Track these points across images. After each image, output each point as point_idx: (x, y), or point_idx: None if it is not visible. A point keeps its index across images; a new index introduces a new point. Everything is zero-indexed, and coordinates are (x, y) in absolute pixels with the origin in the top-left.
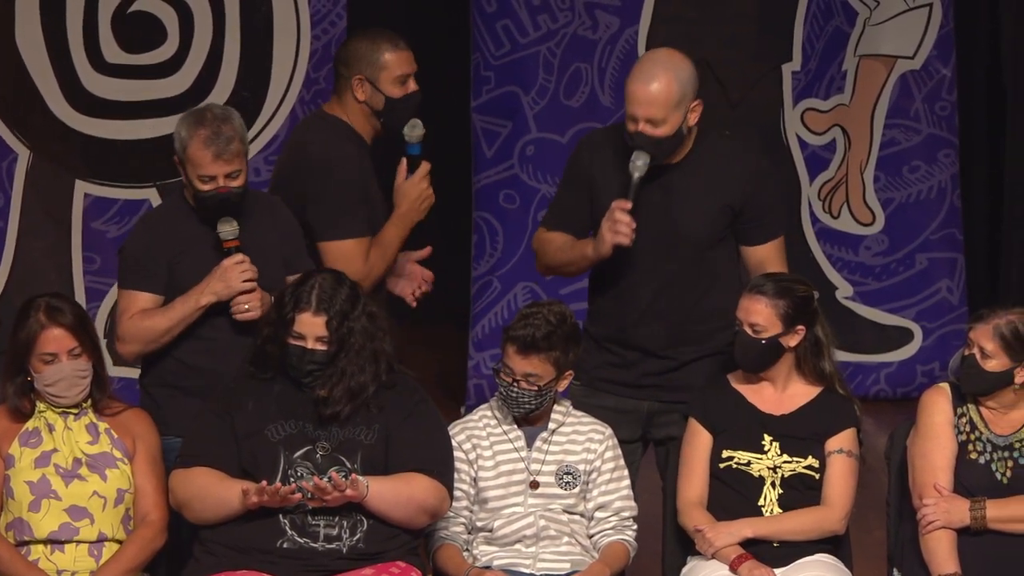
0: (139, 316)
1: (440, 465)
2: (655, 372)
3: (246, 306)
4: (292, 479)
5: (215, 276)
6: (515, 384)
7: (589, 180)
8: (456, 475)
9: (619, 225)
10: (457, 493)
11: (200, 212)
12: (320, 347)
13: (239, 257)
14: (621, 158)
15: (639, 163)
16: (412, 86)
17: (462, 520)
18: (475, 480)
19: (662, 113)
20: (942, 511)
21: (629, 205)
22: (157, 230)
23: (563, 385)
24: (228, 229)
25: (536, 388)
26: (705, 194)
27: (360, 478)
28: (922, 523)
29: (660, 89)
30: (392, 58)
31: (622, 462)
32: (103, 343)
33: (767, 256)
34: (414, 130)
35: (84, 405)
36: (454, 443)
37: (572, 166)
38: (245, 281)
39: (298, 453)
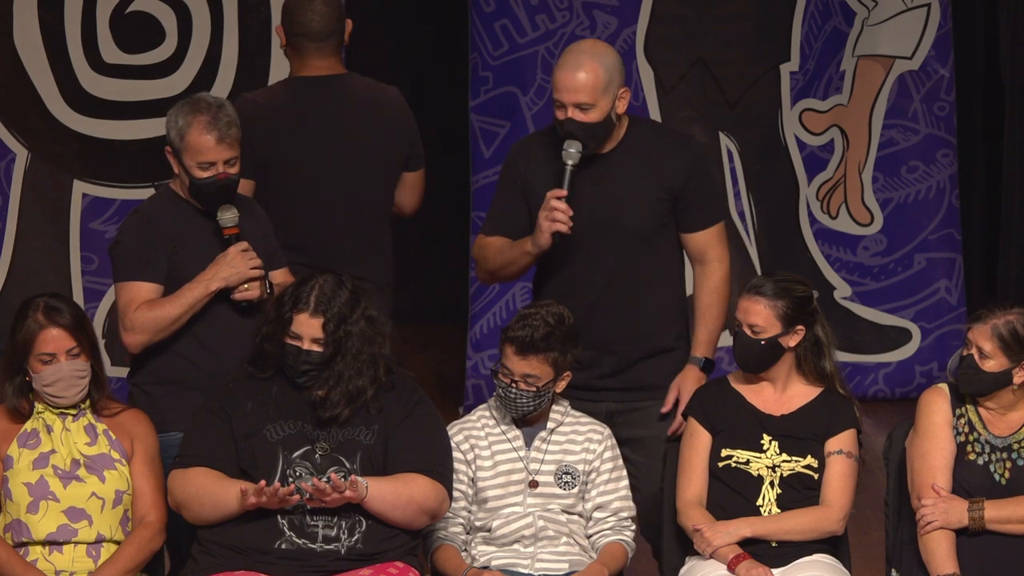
0: (146, 306)
1: (439, 466)
2: (608, 373)
3: (252, 292)
4: (291, 479)
5: (223, 263)
6: (513, 385)
7: (523, 184)
8: (454, 475)
9: (555, 213)
10: (456, 494)
11: (200, 200)
12: (316, 348)
13: (244, 244)
14: (552, 156)
15: (572, 151)
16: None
17: (460, 520)
18: (473, 480)
19: (590, 98)
20: (940, 512)
21: (564, 193)
22: (152, 223)
23: (561, 386)
24: (229, 216)
25: (535, 389)
26: (639, 180)
27: (359, 479)
28: (920, 523)
29: (587, 75)
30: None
31: (621, 462)
32: (101, 344)
33: (707, 242)
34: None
35: (83, 406)
36: (452, 444)
37: (505, 173)
38: (253, 268)
39: (297, 453)
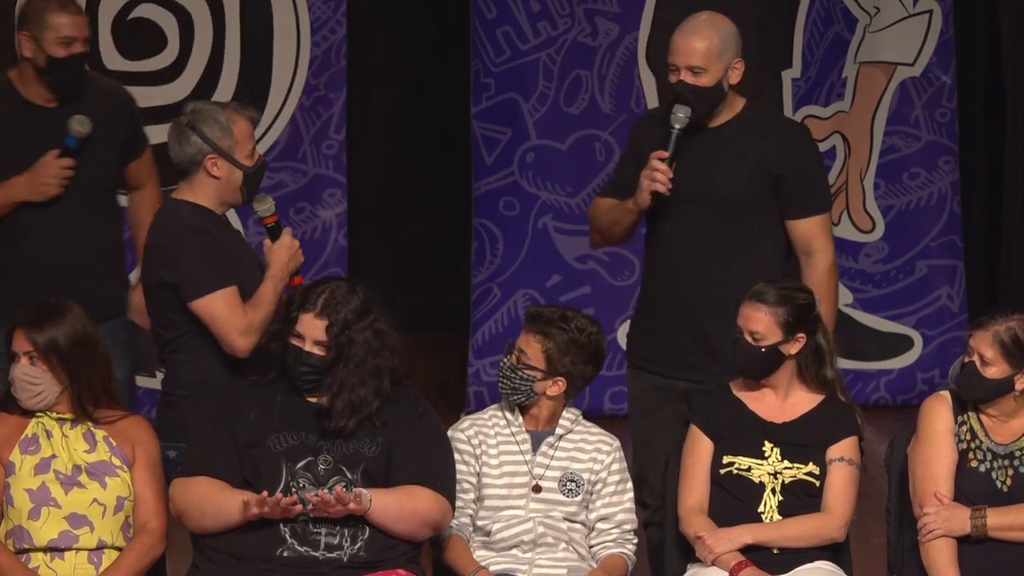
0: (251, 307)
1: (442, 478)
2: (690, 348)
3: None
4: (294, 490)
5: (288, 254)
6: (508, 356)
7: (636, 145)
8: (462, 466)
9: (655, 174)
10: (464, 485)
11: (251, 187)
12: (317, 351)
13: (290, 232)
14: (666, 121)
15: (680, 115)
16: (78, 48)
17: (469, 512)
18: (479, 475)
19: (703, 61)
20: (942, 519)
21: (666, 155)
22: (201, 234)
23: (554, 390)
24: (267, 206)
25: (520, 364)
26: (743, 157)
27: (364, 491)
28: (922, 532)
29: (702, 39)
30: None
31: (627, 475)
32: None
33: (809, 232)
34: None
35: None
36: (461, 435)
37: (629, 138)
38: (301, 255)
39: (300, 464)
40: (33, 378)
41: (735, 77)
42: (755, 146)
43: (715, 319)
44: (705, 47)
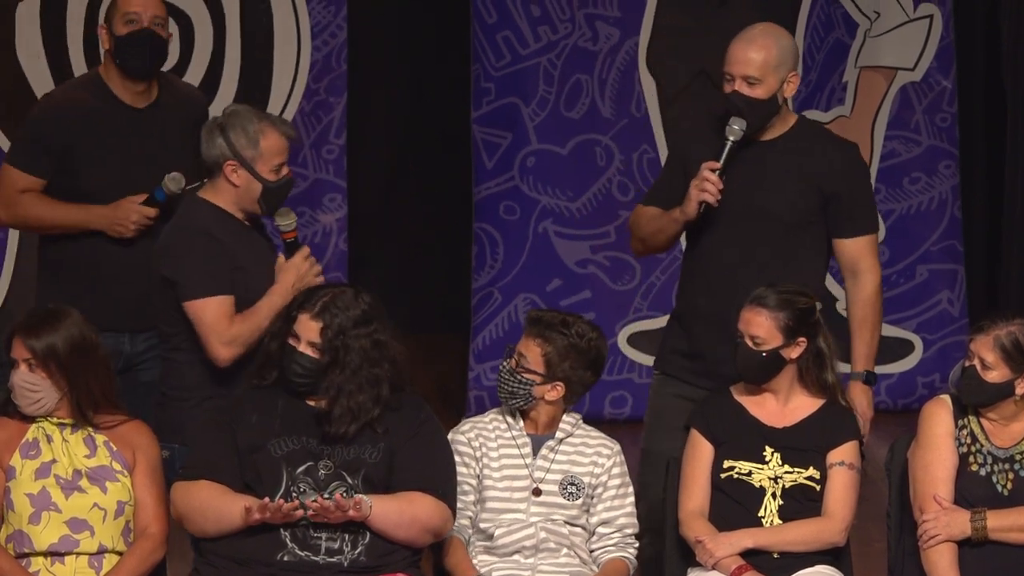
0: (240, 319)
1: (444, 485)
2: (721, 358)
3: None
4: (295, 494)
5: (293, 273)
6: (508, 360)
7: (685, 158)
8: (463, 468)
9: (706, 183)
10: (464, 487)
11: (269, 202)
12: (309, 352)
13: (306, 252)
14: (718, 131)
15: (735, 127)
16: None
17: (469, 514)
18: (480, 477)
19: (759, 72)
20: (942, 524)
21: (718, 166)
22: (207, 236)
23: (552, 395)
24: (289, 221)
25: (519, 368)
26: (793, 173)
27: (364, 498)
28: (923, 537)
29: (759, 49)
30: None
31: (628, 479)
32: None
33: (858, 252)
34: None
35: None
36: (462, 437)
37: (672, 143)
38: (317, 276)
39: (300, 469)
40: (32, 385)
41: (790, 90)
42: (807, 163)
43: None
44: (762, 58)
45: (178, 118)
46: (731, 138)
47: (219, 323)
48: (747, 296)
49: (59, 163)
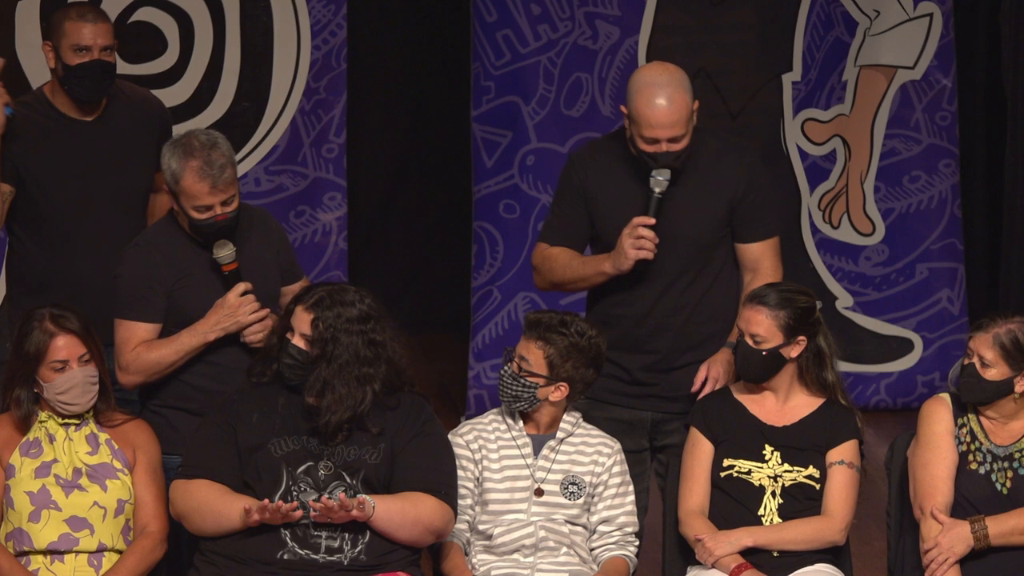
0: (143, 348)
1: (446, 486)
2: (655, 381)
3: (260, 335)
4: (295, 493)
5: (223, 312)
6: (509, 364)
7: (584, 193)
8: (461, 472)
9: (643, 241)
10: (462, 491)
11: (200, 235)
12: (300, 344)
13: (243, 287)
14: (615, 165)
15: (660, 179)
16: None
17: (466, 518)
18: (480, 480)
19: (684, 127)
20: (946, 548)
21: (651, 221)
22: (153, 258)
23: (556, 396)
24: (226, 254)
25: (521, 372)
26: (703, 191)
27: (367, 498)
28: (932, 567)
29: (678, 108)
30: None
31: (628, 477)
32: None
33: (762, 254)
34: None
35: (86, 415)
36: (461, 440)
37: (564, 182)
38: (252, 314)
39: (300, 469)
40: (94, 377)
41: (695, 119)
42: (712, 180)
43: (678, 352)
44: (684, 114)
45: (131, 122)
46: (657, 190)
47: (122, 347)
48: (660, 320)
49: (19, 189)
